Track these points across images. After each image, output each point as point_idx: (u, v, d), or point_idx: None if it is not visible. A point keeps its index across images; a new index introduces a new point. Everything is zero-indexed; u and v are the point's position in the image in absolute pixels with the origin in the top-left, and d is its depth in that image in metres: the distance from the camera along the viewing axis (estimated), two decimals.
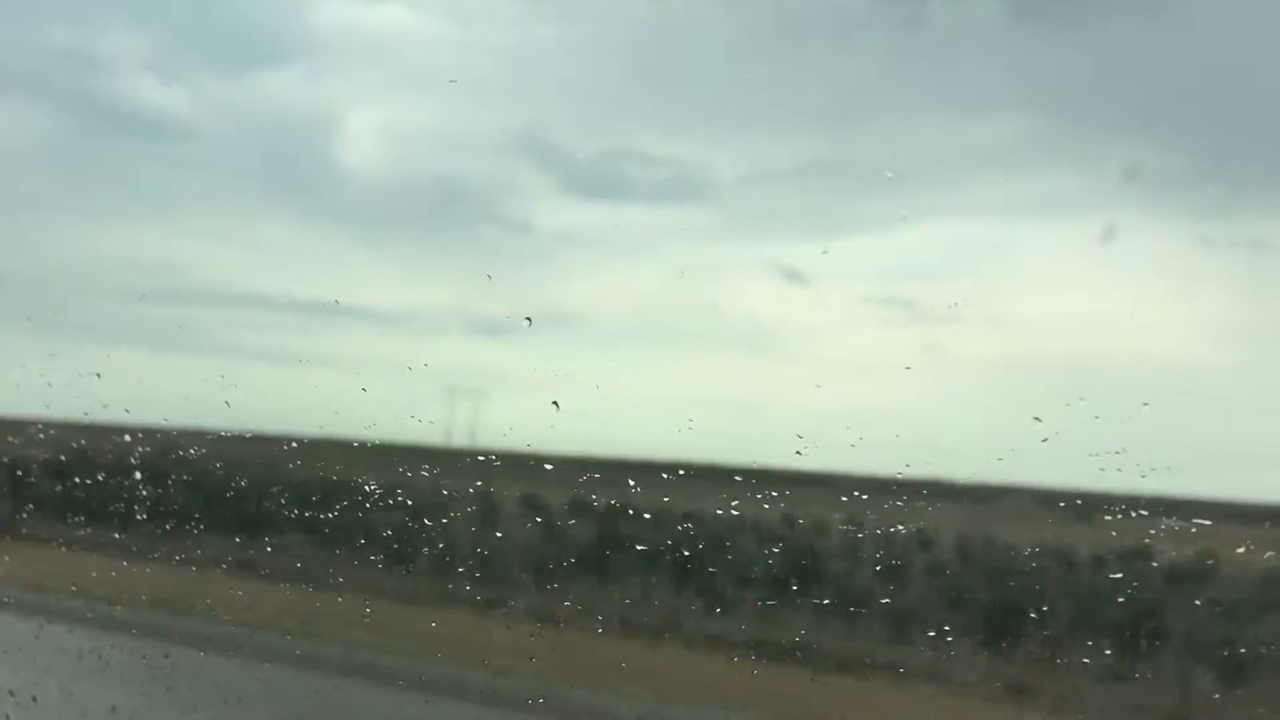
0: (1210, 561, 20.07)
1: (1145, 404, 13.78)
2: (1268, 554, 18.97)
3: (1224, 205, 38.39)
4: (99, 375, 15.34)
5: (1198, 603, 19.94)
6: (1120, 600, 19.91)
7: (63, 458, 23.75)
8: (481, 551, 23.72)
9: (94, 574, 17.90)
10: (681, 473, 15.57)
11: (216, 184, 48.37)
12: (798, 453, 13.48)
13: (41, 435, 21.52)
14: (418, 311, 37.82)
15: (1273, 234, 37.69)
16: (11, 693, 12.09)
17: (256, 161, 49.48)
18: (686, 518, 23.71)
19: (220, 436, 17.20)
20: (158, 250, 44.10)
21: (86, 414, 16.56)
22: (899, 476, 14.73)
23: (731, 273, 37.41)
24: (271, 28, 51.83)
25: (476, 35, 49.81)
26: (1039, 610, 20.31)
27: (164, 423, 16.91)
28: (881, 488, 15.07)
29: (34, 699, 12.09)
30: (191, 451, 19.89)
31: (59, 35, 49.78)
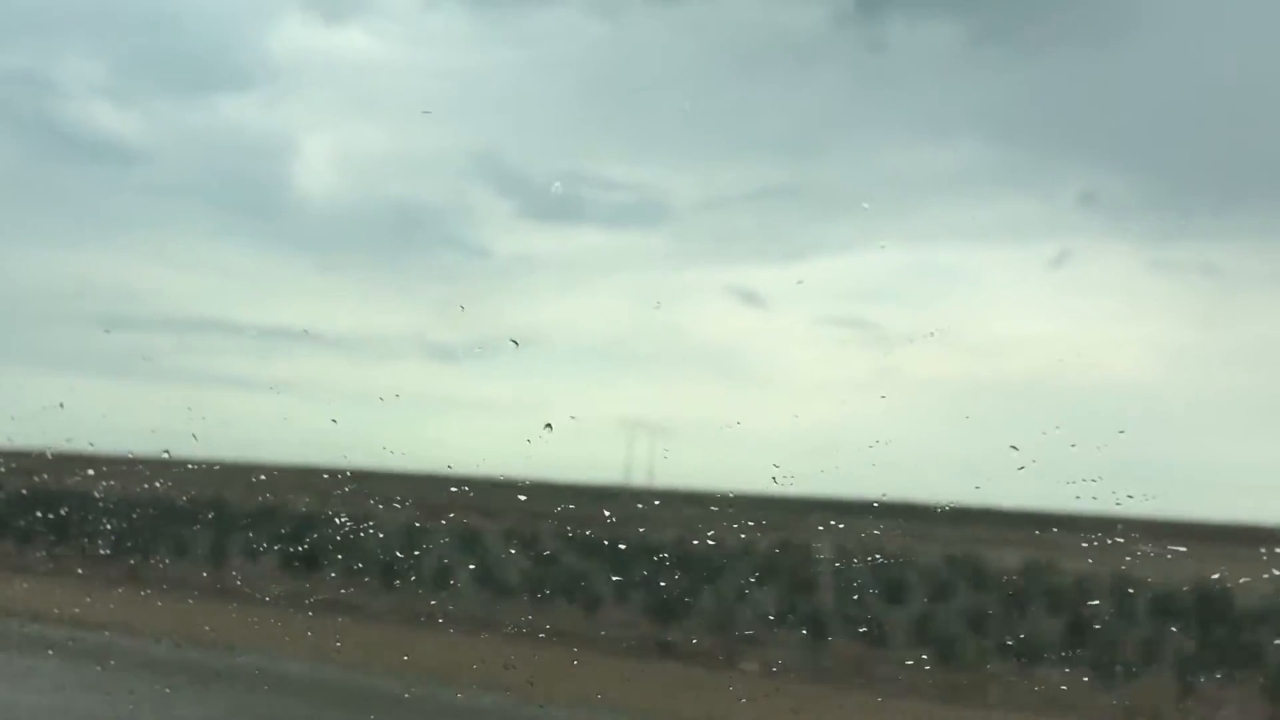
0: (1186, 588, 20.15)
1: (1121, 431, 13.82)
2: (1243, 579, 19.06)
3: (1175, 230, 38.92)
4: (62, 405, 15.05)
5: (1174, 629, 20.00)
6: (1099, 625, 19.98)
7: (24, 492, 23.34)
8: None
9: (56, 609, 17.54)
10: (658, 502, 15.46)
11: (173, 209, 48.02)
12: (774, 480, 13.38)
13: (2, 469, 21.13)
14: (375, 336, 37.53)
15: (1222, 258, 38.28)
16: None
17: (213, 186, 49.11)
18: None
19: (199, 468, 16.84)
20: (115, 276, 43.62)
21: (50, 447, 16.24)
22: (876, 502, 14.66)
23: (691, 296, 37.50)
24: (228, 52, 51.61)
25: (435, 59, 49.83)
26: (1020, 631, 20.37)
27: (129, 454, 16.59)
28: (860, 512, 14.99)
29: None
30: (158, 484, 19.56)
31: (13, 59, 49.32)
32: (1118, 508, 12.55)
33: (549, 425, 9.60)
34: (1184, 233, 40.03)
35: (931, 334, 16.18)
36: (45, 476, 21.79)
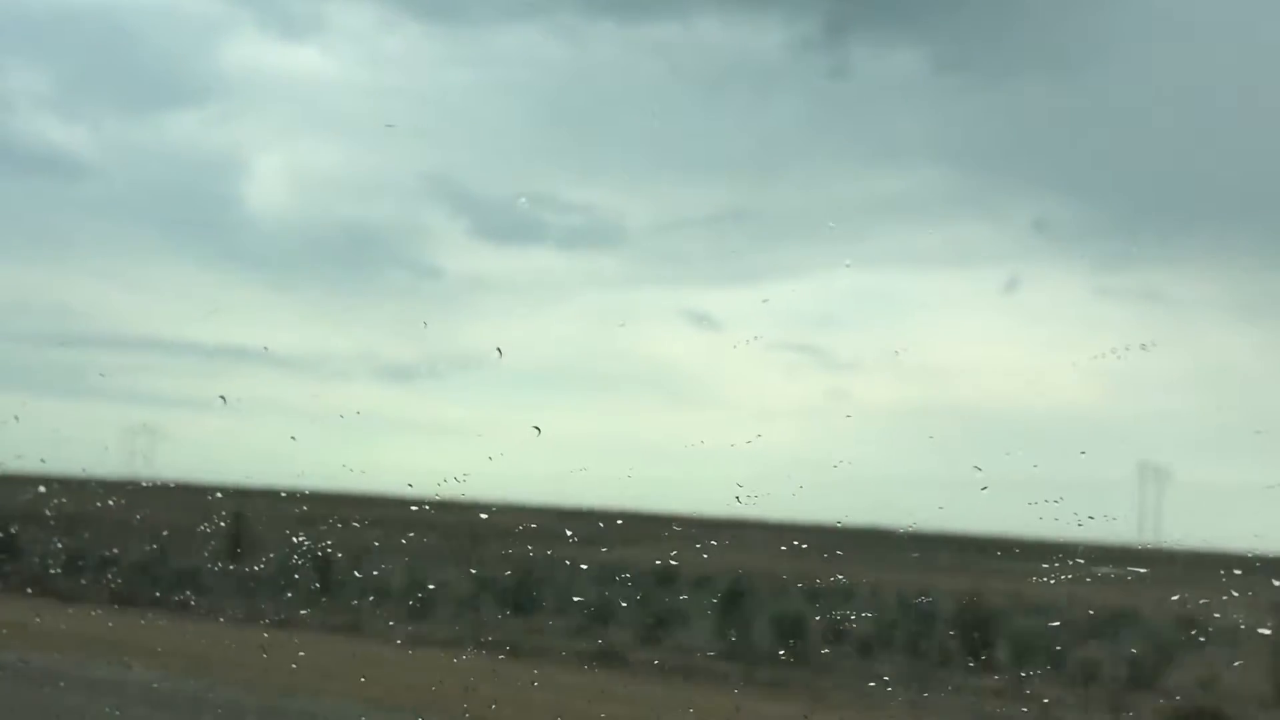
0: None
1: (1083, 453, 13.84)
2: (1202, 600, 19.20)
3: (1122, 257, 39.57)
4: (17, 418, 14.75)
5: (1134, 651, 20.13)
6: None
7: None
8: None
9: (2, 630, 17.24)
10: (620, 522, 15.35)
11: (119, 225, 47.41)
12: (737, 500, 13.28)
13: None
14: (325, 356, 37.22)
15: (1165, 285, 38.97)
16: None
17: (164, 203, 48.50)
18: None
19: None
20: (61, 292, 42.91)
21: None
22: (839, 525, 14.63)
23: (644, 318, 37.62)
24: (181, 68, 51.14)
25: (391, 79, 49.66)
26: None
27: (82, 472, 16.28)
28: (822, 535, 14.96)
29: None
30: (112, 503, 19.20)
31: None
32: (1079, 529, 12.59)
33: (537, 428, 9.47)
34: (1129, 259, 40.74)
35: (897, 353, 16.20)
36: None
